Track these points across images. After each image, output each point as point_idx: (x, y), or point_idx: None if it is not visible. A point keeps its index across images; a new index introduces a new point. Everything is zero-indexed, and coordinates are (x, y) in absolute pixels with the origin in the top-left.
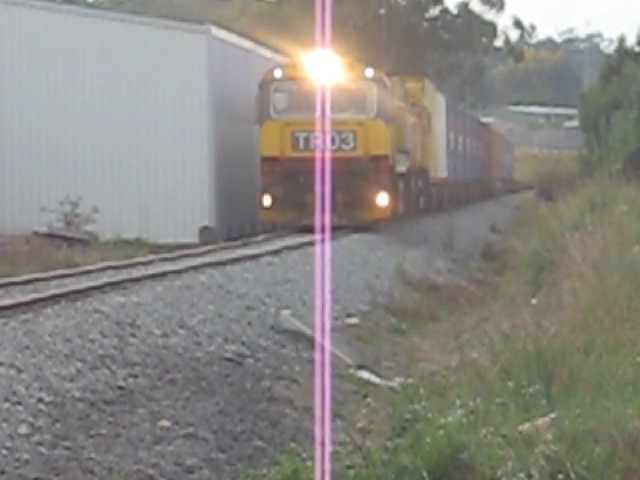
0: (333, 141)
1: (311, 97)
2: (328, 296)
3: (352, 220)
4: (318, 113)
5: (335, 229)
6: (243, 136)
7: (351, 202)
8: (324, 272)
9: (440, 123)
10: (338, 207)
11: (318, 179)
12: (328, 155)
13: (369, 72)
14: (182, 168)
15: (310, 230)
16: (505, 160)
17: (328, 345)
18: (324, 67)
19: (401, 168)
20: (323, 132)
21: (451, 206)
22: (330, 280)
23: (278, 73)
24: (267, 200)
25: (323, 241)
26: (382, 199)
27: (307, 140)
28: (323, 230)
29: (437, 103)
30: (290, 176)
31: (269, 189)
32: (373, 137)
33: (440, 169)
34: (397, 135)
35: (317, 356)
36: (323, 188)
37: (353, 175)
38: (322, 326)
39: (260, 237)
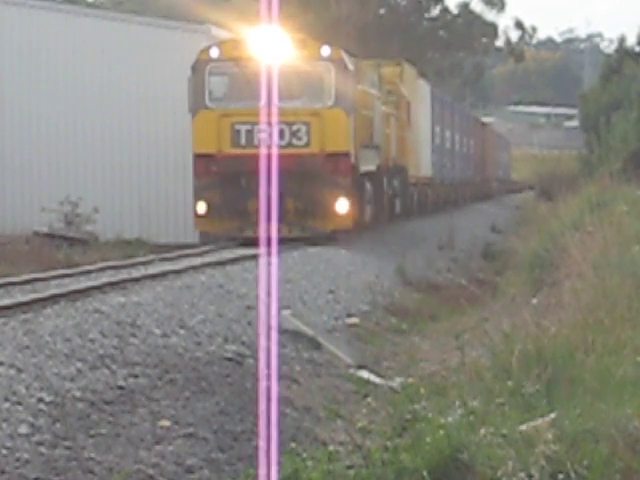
0: (282, 135)
1: (255, 81)
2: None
3: (305, 231)
4: (263, 101)
5: (284, 242)
6: None
7: (304, 209)
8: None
9: (423, 114)
10: (288, 215)
11: (263, 181)
12: (275, 152)
13: (325, 50)
14: (183, 168)
15: (254, 243)
16: (502, 159)
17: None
18: (270, 45)
19: (367, 167)
20: (269, 124)
21: (436, 209)
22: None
23: (215, 52)
24: (201, 207)
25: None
26: (342, 205)
27: (250, 134)
28: (269, 243)
29: (419, 91)
30: (229, 178)
31: (204, 194)
32: (330, 130)
33: (423, 167)
34: (362, 127)
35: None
36: (269, 192)
37: (306, 176)
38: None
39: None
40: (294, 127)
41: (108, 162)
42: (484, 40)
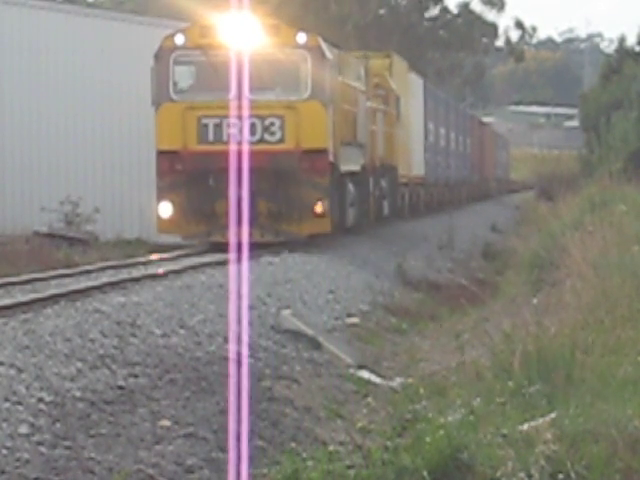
0: (253, 130)
1: (224, 71)
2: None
3: (279, 235)
4: (233, 93)
5: (256, 247)
6: None
7: (277, 212)
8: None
9: (415, 110)
10: (260, 218)
11: (233, 181)
12: (246, 149)
13: (301, 37)
14: None
15: (223, 248)
16: (500, 158)
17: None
18: (241, 31)
19: (349, 166)
20: (240, 118)
21: (430, 210)
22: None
23: (180, 39)
24: (165, 209)
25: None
26: (319, 207)
27: (218, 129)
28: (239, 248)
29: (411, 86)
30: (196, 177)
31: (168, 194)
32: (307, 124)
33: (415, 166)
34: (343, 123)
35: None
36: (239, 193)
37: (280, 175)
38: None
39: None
40: (267, 121)
41: (108, 162)
42: (484, 40)
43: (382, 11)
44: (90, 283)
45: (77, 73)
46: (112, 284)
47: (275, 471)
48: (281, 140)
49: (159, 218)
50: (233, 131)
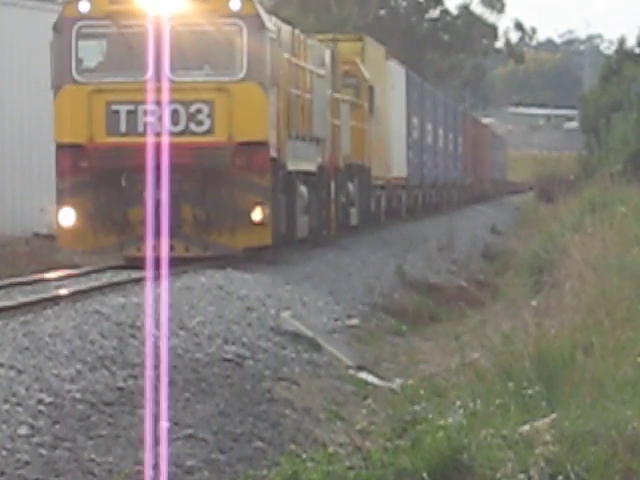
0: (176, 118)
1: (139, 46)
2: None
3: (208, 248)
4: (150, 72)
5: (179, 262)
6: None
7: (206, 219)
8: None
9: (395, 103)
10: (185, 228)
11: (151, 182)
12: (167, 141)
13: (235, 4)
14: None
15: (138, 265)
16: (496, 158)
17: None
18: None
19: (300, 164)
20: (159, 104)
21: (414, 215)
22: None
23: (84, 6)
24: (67, 216)
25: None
26: (257, 214)
27: (133, 117)
28: (158, 265)
29: (390, 75)
30: (105, 177)
31: (70, 199)
32: (242, 111)
33: (394, 166)
34: (293, 111)
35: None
36: (159, 196)
37: (209, 175)
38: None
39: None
40: (192, 108)
41: None
42: (484, 41)
43: (382, 12)
44: (90, 284)
45: None
46: (112, 285)
47: (275, 472)
48: (210, 131)
49: (59, 228)
50: (151, 120)
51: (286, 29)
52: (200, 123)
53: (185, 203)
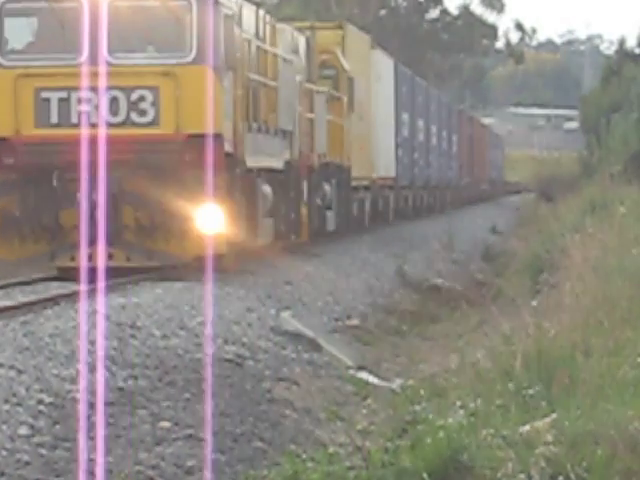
0: (115, 107)
1: (73, 24)
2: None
3: (153, 257)
4: (86, 54)
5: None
6: None
7: (150, 224)
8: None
9: (382, 98)
10: (126, 234)
11: (85, 180)
12: (105, 134)
13: None
14: None
15: (71, 276)
16: (494, 158)
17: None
18: None
19: (263, 160)
20: (96, 90)
21: (404, 218)
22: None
23: None
24: None
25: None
26: (209, 218)
27: (66, 106)
28: (93, 277)
29: (375, 67)
30: (34, 175)
31: None
32: (191, 99)
33: (380, 166)
34: (254, 100)
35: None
36: (95, 197)
37: (153, 172)
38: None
39: None
40: (134, 95)
41: None
42: (484, 42)
43: (382, 12)
44: (90, 284)
45: None
46: (112, 285)
47: (275, 473)
48: (154, 122)
49: None
50: (86, 109)
51: (249, 8)
52: (143, 113)
53: (126, 205)
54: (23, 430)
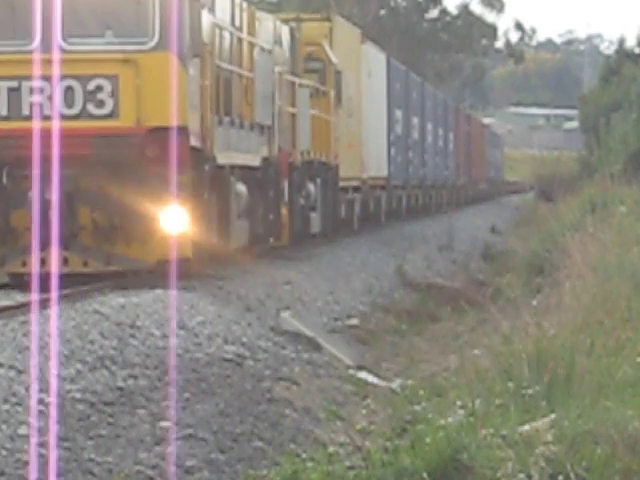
0: (70, 98)
1: (23, 7)
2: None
3: (112, 261)
4: (38, 40)
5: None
6: None
7: (109, 226)
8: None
9: (373, 93)
10: (82, 236)
11: (37, 178)
12: (58, 127)
13: None
14: None
15: (25, 283)
16: (493, 157)
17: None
18: None
19: (236, 157)
20: (48, 79)
21: (397, 220)
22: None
23: None
24: None
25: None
26: (174, 220)
27: (15, 96)
28: (47, 284)
29: (366, 61)
30: None
31: None
32: (153, 88)
33: (372, 165)
34: (223, 90)
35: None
36: (48, 196)
37: (113, 169)
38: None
39: None
40: (91, 84)
41: None
42: (484, 41)
43: (382, 12)
44: (90, 284)
45: None
46: (111, 286)
47: (275, 472)
48: (113, 114)
49: None
50: (38, 99)
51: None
52: (101, 104)
53: (82, 205)
54: (23, 430)
